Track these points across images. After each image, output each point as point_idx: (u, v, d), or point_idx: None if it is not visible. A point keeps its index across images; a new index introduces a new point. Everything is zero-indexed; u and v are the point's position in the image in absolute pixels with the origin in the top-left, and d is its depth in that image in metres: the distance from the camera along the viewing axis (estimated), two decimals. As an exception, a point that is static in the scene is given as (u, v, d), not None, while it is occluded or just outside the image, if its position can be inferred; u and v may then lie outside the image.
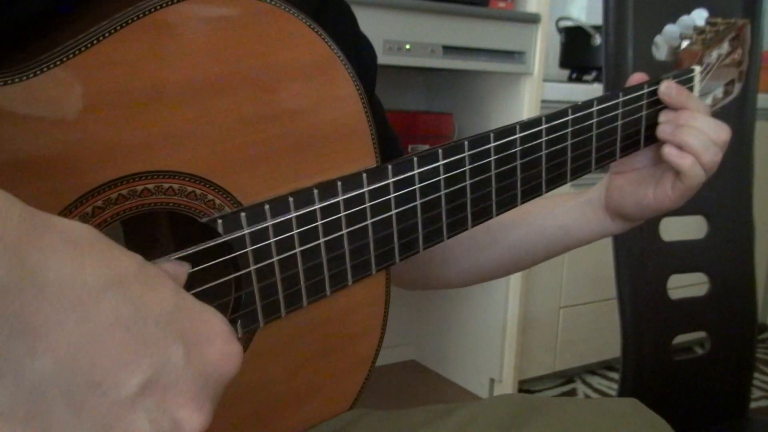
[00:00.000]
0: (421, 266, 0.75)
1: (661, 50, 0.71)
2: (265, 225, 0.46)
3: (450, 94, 1.99)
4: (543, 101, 1.77)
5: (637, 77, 0.67)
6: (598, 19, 1.80)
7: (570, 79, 2.16)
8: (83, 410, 0.29)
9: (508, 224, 0.72)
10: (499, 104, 1.83)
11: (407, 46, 1.54)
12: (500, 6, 1.68)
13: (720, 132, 0.63)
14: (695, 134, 0.63)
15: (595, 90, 1.91)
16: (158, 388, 0.30)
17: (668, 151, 0.64)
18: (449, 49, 1.60)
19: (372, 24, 1.46)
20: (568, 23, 2.13)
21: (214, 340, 0.33)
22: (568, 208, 0.71)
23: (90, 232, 0.30)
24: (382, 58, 1.25)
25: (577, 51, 2.10)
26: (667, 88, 0.65)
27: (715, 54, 0.71)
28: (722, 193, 1.06)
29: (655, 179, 0.67)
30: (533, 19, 1.70)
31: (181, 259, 0.42)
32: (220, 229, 0.44)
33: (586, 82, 2.12)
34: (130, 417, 0.30)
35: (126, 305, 0.30)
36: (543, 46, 1.72)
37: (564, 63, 2.16)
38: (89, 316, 0.29)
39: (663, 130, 0.65)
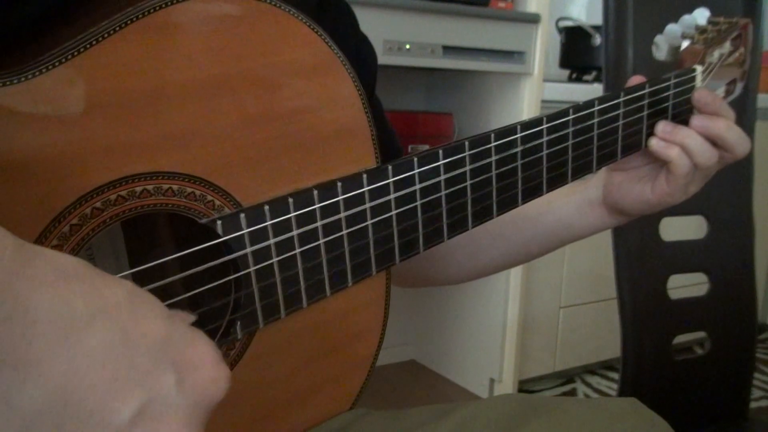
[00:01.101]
0: (419, 264, 0.75)
1: (661, 50, 0.71)
2: (264, 225, 0.46)
3: (450, 94, 1.98)
4: (543, 101, 1.77)
5: (635, 80, 0.67)
6: (598, 19, 1.80)
7: (570, 79, 2.16)
8: None
9: (505, 220, 0.72)
10: (499, 104, 1.83)
11: (407, 46, 1.54)
12: (500, 6, 1.68)
13: (745, 147, 0.65)
14: (693, 137, 0.64)
15: (595, 90, 1.91)
16: (150, 417, 0.30)
17: (655, 142, 0.65)
18: (449, 49, 1.60)
19: (372, 24, 1.46)
20: (568, 23, 2.13)
21: (204, 366, 0.33)
22: (565, 203, 0.71)
23: (79, 263, 0.30)
24: (382, 58, 1.25)
25: (577, 51, 2.10)
26: (704, 96, 0.66)
27: (717, 53, 0.71)
28: (722, 193, 1.06)
29: (653, 176, 0.67)
30: (533, 19, 1.70)
31: (182, 259, 0.42)
32: (219, 230, 0.44)
33: (586, 82, 2.12)
34: None
35: (116, 335, 0.30)
36: (543, 46, 1.72)
37: (564, 63, 2.16)
38: (79, 347, 0.29)
39: (664, 130, 0.66)
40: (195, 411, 0.32)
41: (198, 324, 0.46)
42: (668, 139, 0.65)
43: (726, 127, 0.65)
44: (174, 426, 0.31)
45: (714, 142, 0.65)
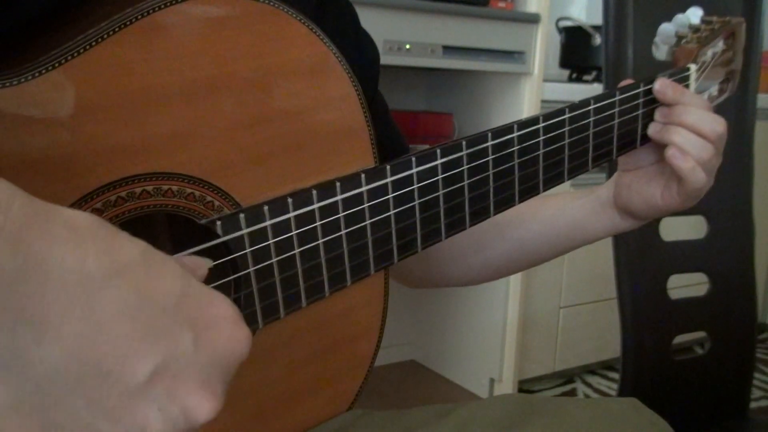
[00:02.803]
0: (428, 264, 0.75)
1: (661, 50, 0.71)
2: (263, 226, 0.46)
3: (450, 94, 1.99)
4: (543, 101, 1.77)
5: (625, 84, 0.67)
6: (598, 19, 1.80)
7: (570, 79, 2.16)
8: (92, 400, 0.28)
9: (516, 221, 0.72)
10: (499, 104, 1.83)
11: (407, 46, 1.54)
12: (500, 6, 1.68)
13: (715, 125, 0.62)
14: (682, 133, 0.63)
15: (595, 90, 1.91)
16: (168, 375, 0.30)
17: (672, 153, 0.63)
18: (449, 49, 1.60)
19: (372, 24, 1.45)
20: (568, 23, 2.13)
21: (223, 324, 0.32)
22: (578, 205, 0.71)
23: (92, 220, 0.30)
24: (383, 58, 1.25)
25: (577, 51, 2.10)
26: (662, 86, 0.64)
27: (710, 52, 0.71)
28: (722, 193, 1.06)
29: (663, 179, 0.66)
30: (533, 19, 1.70)
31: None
32: (219, 230, 0.44)
33: (586, 82, 2.12)
34: (140, 406, 0.29)
35: (131, 293, 0.29)
36: (543, 46, 1.72)
37: (564, 63, 2.16)
38: (94, 305, 0.28)
39: (653, 130, 0.65)
40: (214, 370, 0.32)
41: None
42: (657, 139, 0.65)
43: (684, 112, 0.63)
44: (192, 384, 0.31)
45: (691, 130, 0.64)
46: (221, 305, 0.33)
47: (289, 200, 0.47)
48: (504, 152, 0.57)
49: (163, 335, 0.30)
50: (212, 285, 0.45)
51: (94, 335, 0.28)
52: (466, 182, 0.56)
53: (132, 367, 0.29)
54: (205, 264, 0.39)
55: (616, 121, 0.64)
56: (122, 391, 0.29)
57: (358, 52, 0.66)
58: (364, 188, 0.50)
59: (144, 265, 0.31)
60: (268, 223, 0.46)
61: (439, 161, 0.54)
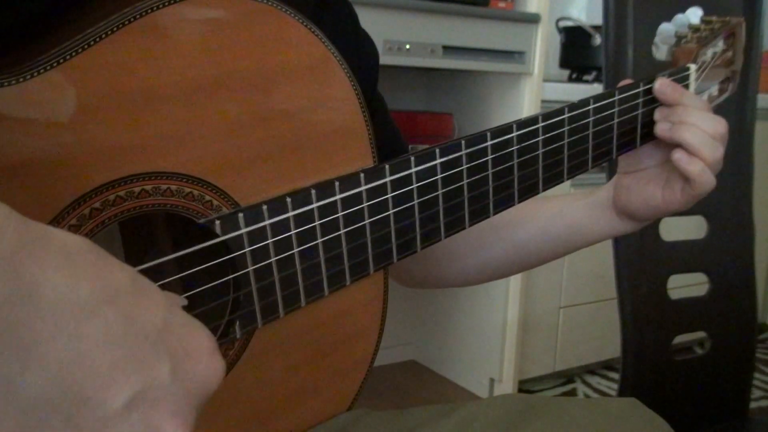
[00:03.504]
0: (426, 264, 0.75)
1: (661, 50, 0.71)
2: (262, 225, 0.46)
3: (450, 94, 1.99)
4: (543, 101, 1.77)
5: (624, 84, 0.66)
6: (598, 19, 1.80)
7: (570, 79, 2.16)
8: (71, 424, 0.29)
9: (515, 222, 0.72)
10: (499, 104, 1.83)
11: (407, 46, 1.54)
12: (500, 6, 1.68)
13: (717, 126, 0.62)
14: (693, 131, 0.62)
15: (595, 90, 1.90)
16: (145, 403, 0.30)
17: (678, 156, 0.62)
18: (449, 49, 1.60)
19: (372, 24, 1.45)
20: (568, 23, 2.13)
21: (200, 356, 0.33)
22: (576, 207, 0.71)
23: (84, 245, 0.30)
24: (382, 58, 1.26)
25: (577, 51, 2.10)
26: (662, 86, 0.64)
27: (710, 52, 0.71)
28: (722, 193, 1.06)
29: (663, 180, 0.66)
30: (533, 19, 1.70)
31: (180, 259, 0.42)
32: (217, 229, 0.44)
33: (586, 82, 2.12)
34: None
35: (118, 322, 0.30)
36: (543, 46, 1.72)
37: (564, 63, 2.16)
38: (82, 332, 0.29)
39: (661, 129, 0.65)
40: (187, 400, 0.32)
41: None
42: (667, 138, 0.64)
43: (685, 113, 0.63)
44: (166, 414, 0.31)
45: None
46: (200, 336, 0.34)
47: (288, 200, 0.47)
48: (503, 152, 0.57)
49: (143, 364, 0.30)
50: (211, 285, 0.45)
51: (79, 362, 0.29)
52: (465, 182, 0.56)
53: (112, 395, 0.29)
54: (180, 301, 0.40)
55: (616, 120, 0.64)
56: (100, 417, 0.29)
57: (358, 53, 0.66)
58: (363, 188, 0.50)
59: (133, 293, 0.31)
60: (266, 222, 0.46)
61: (438, 161, 0.54)
